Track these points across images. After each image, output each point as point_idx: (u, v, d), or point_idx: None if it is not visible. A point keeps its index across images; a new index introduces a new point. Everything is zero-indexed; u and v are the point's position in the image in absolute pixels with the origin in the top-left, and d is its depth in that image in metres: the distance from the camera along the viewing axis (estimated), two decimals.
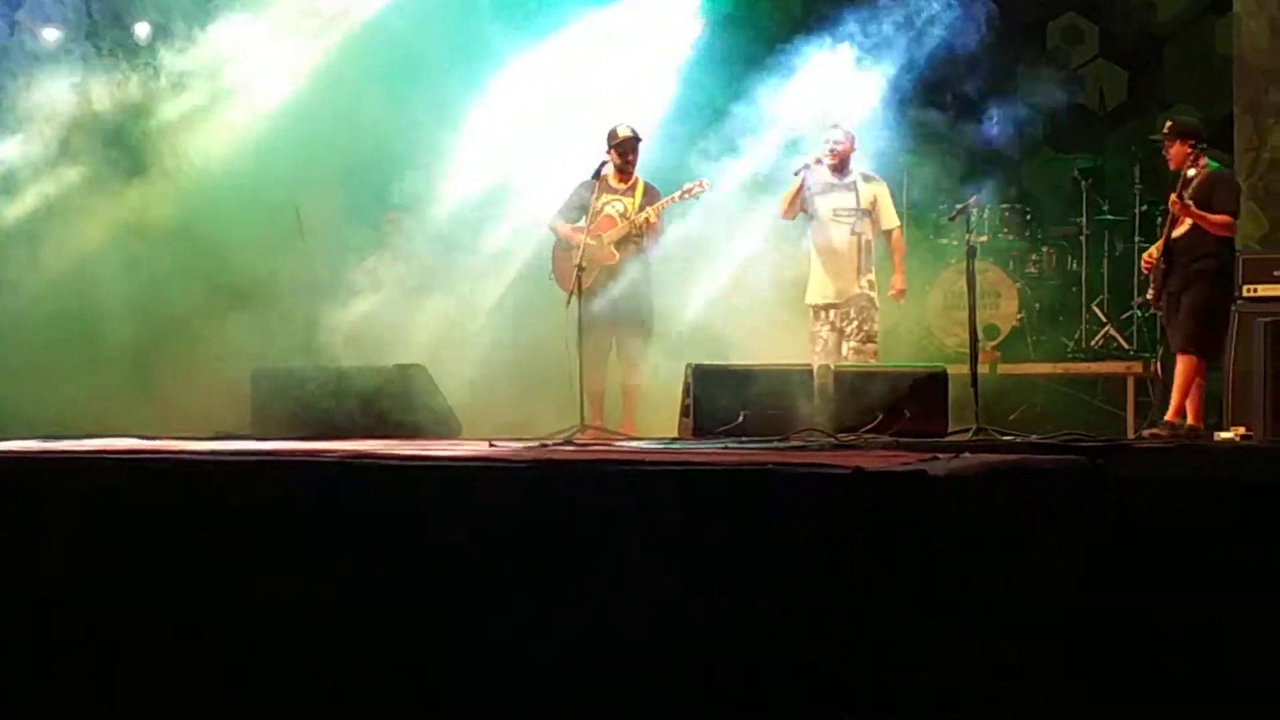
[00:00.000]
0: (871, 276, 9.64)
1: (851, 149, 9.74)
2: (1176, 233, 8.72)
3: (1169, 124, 9.00)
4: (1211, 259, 8.60)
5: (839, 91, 10.11)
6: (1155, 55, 11.96)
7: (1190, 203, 8.58)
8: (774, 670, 4.00)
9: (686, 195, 9.68)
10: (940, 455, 4.77)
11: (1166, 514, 4.72)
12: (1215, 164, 8.89)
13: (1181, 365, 8.66)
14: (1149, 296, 9.09)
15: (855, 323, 9.60)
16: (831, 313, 9.65)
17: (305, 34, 10.25)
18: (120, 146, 10.41)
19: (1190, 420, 8.64)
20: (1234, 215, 8.71)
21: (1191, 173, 8.68)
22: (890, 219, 9.79)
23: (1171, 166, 8.79)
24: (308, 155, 9.82)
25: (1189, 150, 8.70)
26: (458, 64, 10.04)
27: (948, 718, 3.87)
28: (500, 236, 10.36)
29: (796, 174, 9.61)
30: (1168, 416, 8.71)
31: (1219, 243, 8.62)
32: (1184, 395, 8.63)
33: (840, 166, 9.68)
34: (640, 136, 9.75)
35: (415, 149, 10.12)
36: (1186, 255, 8.65)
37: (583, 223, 9.60)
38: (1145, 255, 9.14)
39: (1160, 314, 9.03)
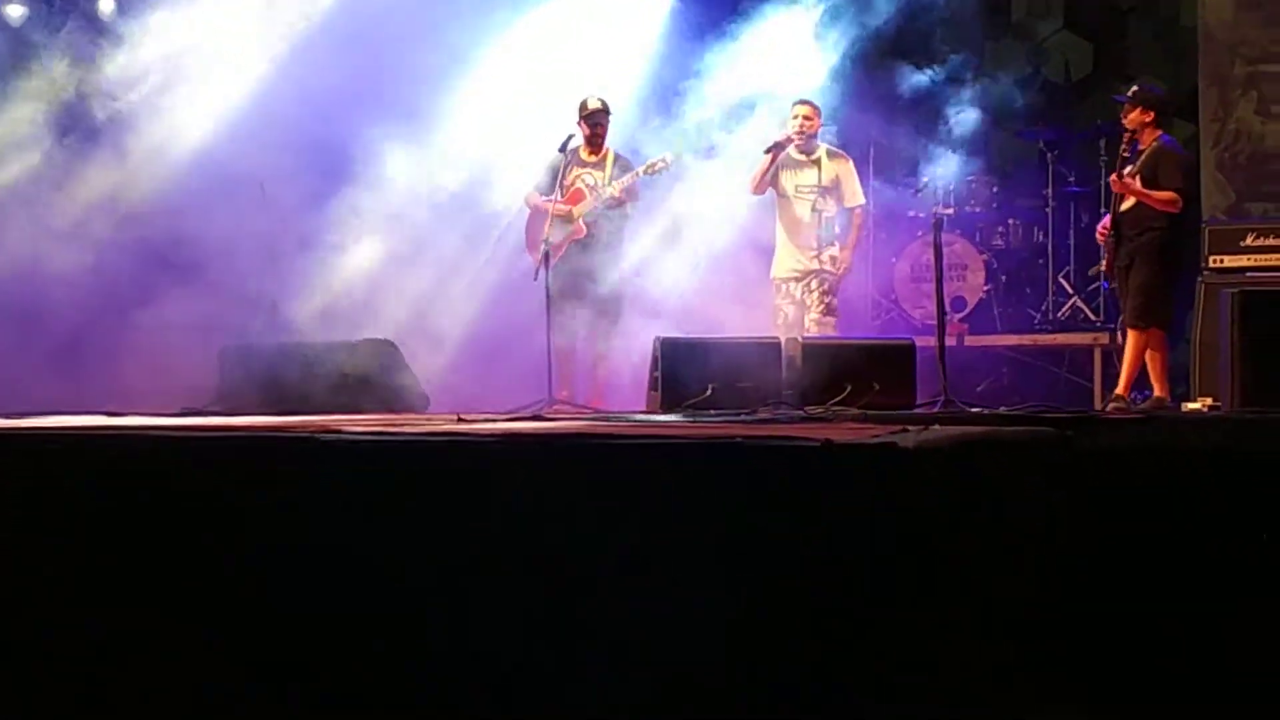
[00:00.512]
0: (834, 252, 9.69)
1: (819, 124, 9.76)
2: (1123, 206, 8.75)
3: (1134, 89, 9.00)
4: (1156, 233, 8.59)
5: (804, 63, 10.13)
6: (1120, 27, 11.96)
7: (1131, 180, 8.60)
8: (749, 640, 4.00)
9: (651, 170, 9.68)
10: (909, 428, 4.74)
11: (1140, 485, 4.72)
12: (1167, 137, 8.89)
13: (1131, 340, 8.71)
14: (1102, 267, 9.11)
15: (816, 294, 9.65)
16: (794, 286, 9.71)
17: (272, 6, 10.14)
18: (74, 119, 10.24)
19: (1156, 391, 8.68)
20: (1180, 191, 8.63)
21: (1139, 146, 8.71)
22: (854, 197, 9.82)
23: (1125, 136, 8.79)
24: (272, 130, 9.72)
25: (1144, 121, 8.71)
26: (428, 37, 9.96)
27: (936, 711, 3.87)
28: (469, 211, 10.31)
29: (768, 152, 9.63)
30: (1118, 390, 8.76)
31: (1166, 216, 8.60)
32: (1134, 370, 8.69)
33: (806, 142, 9.70)
34: (609, 108, 9.74)
35: (383, 123, 10.03)
36: (1133, 229, 8.67)
37: (555, 195, 9.58)
38: (1100, 226, 9.12)
39: (1115, 286, 9.07)
